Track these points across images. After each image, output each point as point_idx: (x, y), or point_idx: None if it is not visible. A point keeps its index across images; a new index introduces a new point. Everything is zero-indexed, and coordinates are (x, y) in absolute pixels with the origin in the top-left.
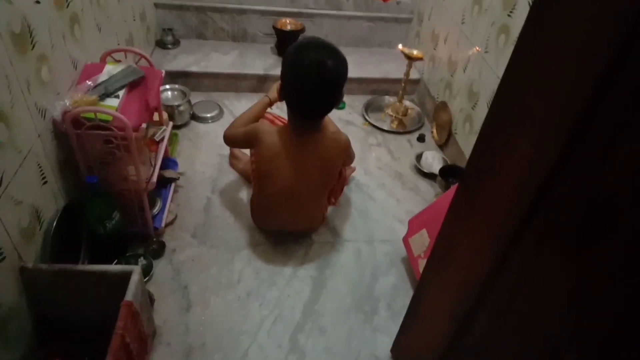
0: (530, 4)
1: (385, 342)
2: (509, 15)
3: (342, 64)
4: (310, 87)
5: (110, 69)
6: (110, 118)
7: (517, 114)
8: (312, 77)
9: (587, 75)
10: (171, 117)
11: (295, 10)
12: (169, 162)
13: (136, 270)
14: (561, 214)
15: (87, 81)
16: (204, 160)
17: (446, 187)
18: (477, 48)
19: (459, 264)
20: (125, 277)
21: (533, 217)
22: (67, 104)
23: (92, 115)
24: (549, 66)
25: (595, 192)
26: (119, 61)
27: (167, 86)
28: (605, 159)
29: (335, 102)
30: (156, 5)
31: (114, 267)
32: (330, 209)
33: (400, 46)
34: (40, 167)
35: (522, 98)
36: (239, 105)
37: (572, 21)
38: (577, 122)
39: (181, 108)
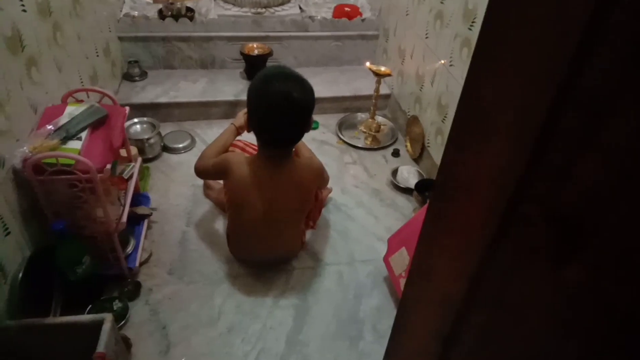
0: None
1: None
2: (469, 29)
3: (308, 93)
4: (277, 119)
5: (71, 110)
6: (72, 162)
7: (478, 129)
8: (279, 109)
9: (543, 88)
10: (141, 151)
11: (262, 34)
12: (140, 198)
13: (107, 319)
14: (529, 235)
15: (47, 125)
16: (178, 192)
17: (423, 202)
18: (443, 61)
19: (437, 282)
20: (97, 326)
21: (502, 238)
22: (27, 150)
23: (53, 160)
24: (506, 80)
25: (559, 212)
26: (81, 101)
27: (136, 120)
28: (563, 179)
29: (304, 130)
30: (120, 39)
31: (84, 317)
32: (309, 232)
33: (367, 64)
34: (1, 218)
35: (483, 112)
36: (211, 133)
37: (523, 36)
38: (538, 136)
39: (151, 141)
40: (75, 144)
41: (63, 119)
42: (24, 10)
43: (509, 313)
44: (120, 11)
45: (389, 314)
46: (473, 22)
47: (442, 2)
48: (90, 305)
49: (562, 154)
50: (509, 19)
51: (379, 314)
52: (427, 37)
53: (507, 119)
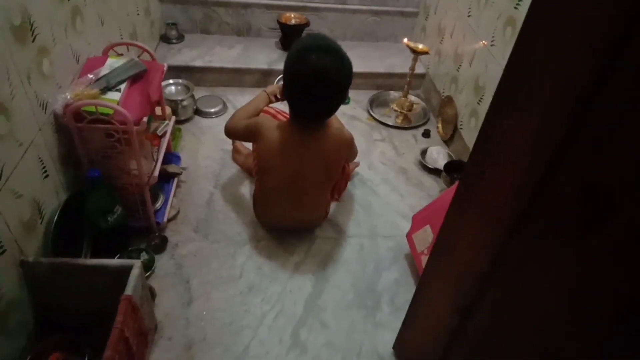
0: None
1: (387, 337)
2: (515, 8)
3: (346, 69)
4: (312, 94)
5: (112, 63)
6: (111, 111)
7: (517, 106)
8: (314, 84)
9: (584, 66)
10: (175, 112)
11: (300, 4)
12: (172, 157)
13: (136, 265)
14: (561, 205)
15: (88, 74)
16: (207, 154)
17: (451, 183)
18: (484, 42)
19: (460, 257)
20: (126, 271)
21: (533, 208)
22: (69, 97)
23: (93, 108)
24: (549, 57)
25: (594, 182)
26: (121, 55)
27: (171, 81)
28: (601, 148)
29: (338, 105)
30: (161, 0)
31: (114, 262)
32: (334, 204)
33: (405, 40)
34: (41, 160)
35: (522, 89)
36: (243, 100)
37: (573, 10)
38: (574, 114)
39: (185, 103)
40: (114, 95)
41: (104, 70)
42: None
43: (527, 289)
44: None
45: (408, 289)
46: (520, 0)
47: None
48: (117, 255)
49: (599, 129)
50: (553, 8)
51: (397, 288)
52: (469, 16)
53: (549, 87)
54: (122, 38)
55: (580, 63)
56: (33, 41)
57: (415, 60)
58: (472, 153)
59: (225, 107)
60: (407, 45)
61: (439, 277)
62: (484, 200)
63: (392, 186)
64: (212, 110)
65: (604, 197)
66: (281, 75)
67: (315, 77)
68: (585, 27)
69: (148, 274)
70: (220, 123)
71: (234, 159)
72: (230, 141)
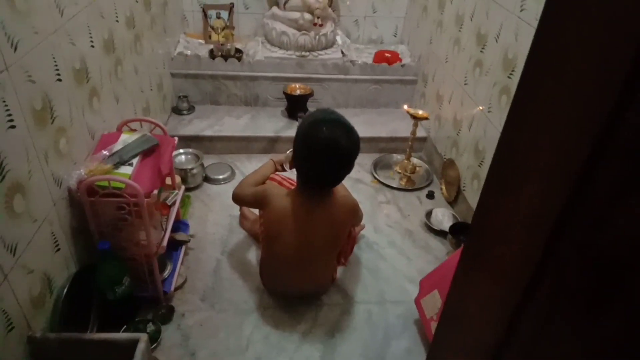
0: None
1: None
2: (509, 77)
3: (355, 141)
4: (322, 163)
5: (125, 138)
6: (123, 185)
7: (515, 174)
8: (325, 154)
9: (584, 134)
10: (184, 180)
11: (305, 75)
12: (180, 225)
13: (143, 339)
14: (568, 277)
15: (103, 150)
16: (215, 221)
17: (457, 245)
18: (481, 107)
19: (469, 328)
20: (132, 345)
21: (540, 280)
22: (83, 173)
23: (105, 183)
24: (544, 126)
25: (600, 255)
26: (134, 130)
27: (181, 150)
28: (605, 219)
29: (346, 174)
30: (173, 75)
31: (121, 336)
32: (340, 269)
33: (405, 107)
34: (53, 235)
35: (520, 157)
36: (250, 166)
37: (566, 78)
38: (576, 181)
39: (194, 171)
40: (126, 169)
41: (117, 146)
42: (92, 46)
43: None
44: (175, 50)
45: (419, 357)
46: (513, 71)
47: (481, 51)
48: (124, 326)
49: (600, 199)
50: (548, 70)
51: (408, 357)
52: (465, 84)
53: (545, 164)
54: (135, 113)
55: (573, 139)
56: (52, 123)
57: (416, 125)
58: (472, 222)
59: (233, 173)
60: (408, 112)
61: (448, 349)
62: (490, 271)
63: (398, 249)
64: (221, 177)
65: (608, 274)
66: (291, 149)
67: (327, 147)
68: (578, 101)
69: (154, 345)
70: (228, 189)
71: (241, 225)
72: (237, 207)
